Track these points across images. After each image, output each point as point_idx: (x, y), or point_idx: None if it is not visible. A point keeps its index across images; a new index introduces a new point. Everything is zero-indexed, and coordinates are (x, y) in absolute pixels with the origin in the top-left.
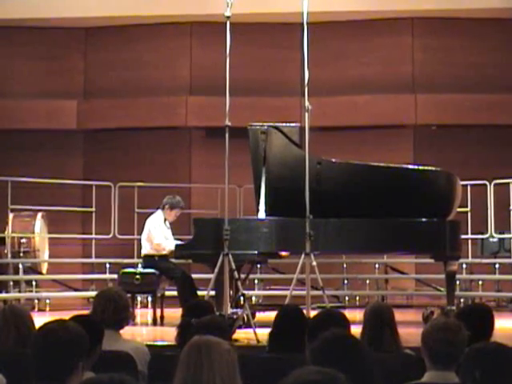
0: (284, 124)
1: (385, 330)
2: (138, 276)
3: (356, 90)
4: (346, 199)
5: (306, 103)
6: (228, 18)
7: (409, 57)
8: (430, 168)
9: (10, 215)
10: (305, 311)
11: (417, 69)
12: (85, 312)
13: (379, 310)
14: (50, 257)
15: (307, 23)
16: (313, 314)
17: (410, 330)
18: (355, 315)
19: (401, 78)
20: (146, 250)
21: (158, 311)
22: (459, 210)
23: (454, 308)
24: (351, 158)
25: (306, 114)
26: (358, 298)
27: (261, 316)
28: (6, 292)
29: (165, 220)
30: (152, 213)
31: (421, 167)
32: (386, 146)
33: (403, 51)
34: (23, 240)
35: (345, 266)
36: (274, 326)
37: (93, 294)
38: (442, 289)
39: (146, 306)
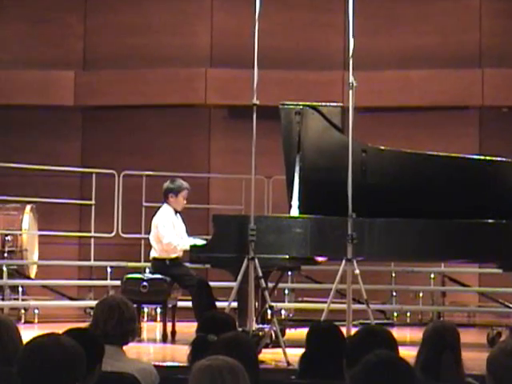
0: (323, 103)
1: (446, 355)
2: (145, 283)
3: (410, 64)
4: (396, 195)
5: (351, 79)
6: None
7: (475, 24)
8: (499, 158)
9: None
10: (345, 329)
11: (485, 38)
12: (82, 325)
13: (442, 330)
14: (39, 258)
15: None
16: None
17: (471, 355)
18: (405, 334)
19: (465, 49)
20: (154, 252)
21: (169, 325)
22: None
23: None
24: (403, 146)
25: (350, 91)
26: (408, 314)
27: (292, 333)
28: None
29: (175, 212)
30: (159, 209)
31: (488, 157)
32: (445, 132)
33: (468, 17)
34: (8, 238)
35: (393, 275)
36: (307, 347)
37: (91, 303)
38: (511, 305)
39: (155, 319)
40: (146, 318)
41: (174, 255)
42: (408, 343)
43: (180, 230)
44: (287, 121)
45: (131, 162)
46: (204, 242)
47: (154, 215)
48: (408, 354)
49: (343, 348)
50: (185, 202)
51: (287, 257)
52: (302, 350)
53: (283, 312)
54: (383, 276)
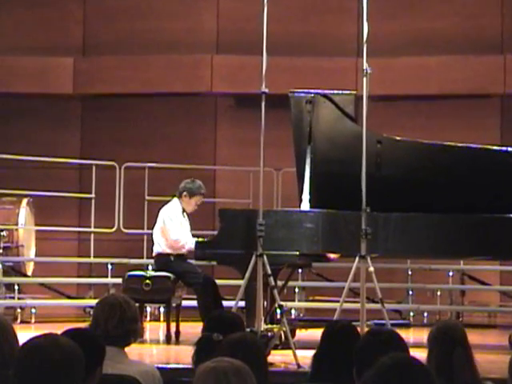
0: (335, 91)
1: (457, 352)
2: (148, 281)
3: (428, 50)
4: (412, 188)
5: (365, 65)
6: None
7: (497, 7)
8: None
9: None
10: (358, 330)
11: (507, 22)
12: (81, 325)
13: (447, 328)
14: (36, 255)
15: None
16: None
17: (492, 357)
18: (422, 335)
19: (486, 34)
20: (159, 247)
21: (173, 326)
22: None
23: None
24: (420, 136)
25: (364, 78)
26: (426, 315)
27: (302, 334)
28: None
29: (183, 211)
30: (167, 202)
31: (510, 148)
32: (465, 121)
33: (489, 0)
34: (3, 233)
35: (410, 272)
36: (320, 348)
37: (91, 302)
38: None
39: (158, 319)
40: (148, 318)
41: (180, 252)
42: (425, 345)
43: (185, 229)
44: (297, 110)
45: (133, 153)
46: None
47: (160, 208)
48: (425, 356)
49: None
50: (196, 207)
51: (297, 253)
52: (313, 352)
53: (293, 312)
54: (399, 274)
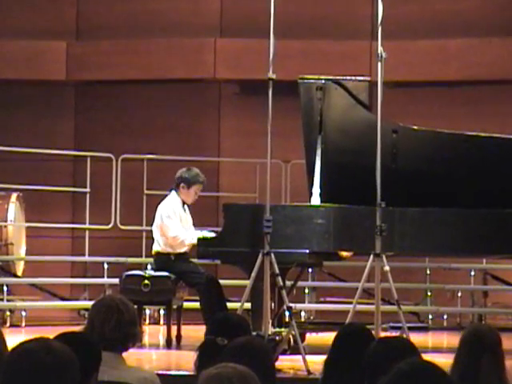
0: (348, 77)
1: (486, 359)
2: (146, 281)
3: (447, 32)
4: (431, 181)
5: (379, 49)
6: None
7: None
8: None
9: None
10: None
11: None
12: (75, 328)
13: (479, 332)
14: (27, 253)
15: None
16: (385, 335)
17: None
18: (441, 340)
19: (509, 15)
20: (158, 246)
21: (174, 329)
22: None
23: None
24: (439, 125)
25: (379, 63)
26: (445, 317)
27: (313, 338)
28: None
29: (183, 204)
30: (165, 196)
31: None
32: (486, 109)
33: None
34: None
35: (428, 272)
36: (331, 353)
37: (85, 304)
38: None
39: (158, 322)
40: (147, 321)
41: (181, 250)
42: (445, 349)
43: (186, 223)
44: (307, 97)
45: (131, 144)
46: (213, 235)
47: (159, 203)
48: (445, 362)
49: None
50: (196, 196)
51: (307, 251)
52: (323, 357)
53: (303, 314)
54: (416, 273)
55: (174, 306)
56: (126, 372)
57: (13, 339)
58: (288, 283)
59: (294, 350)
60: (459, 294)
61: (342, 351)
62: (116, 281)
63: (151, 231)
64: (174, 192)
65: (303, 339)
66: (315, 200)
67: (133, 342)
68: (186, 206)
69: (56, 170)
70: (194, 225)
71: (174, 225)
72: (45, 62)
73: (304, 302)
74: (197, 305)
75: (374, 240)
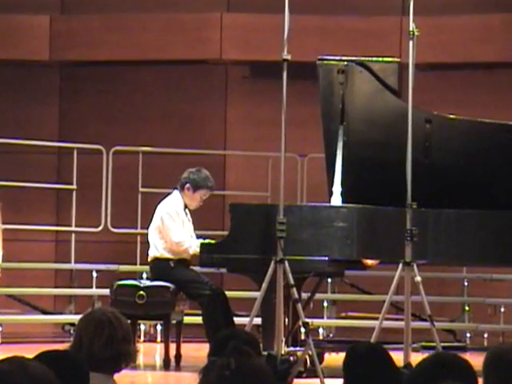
0: (374, 58)
1: None
2: (141, 292)
3: (489, 6)
4: (469, 179)
5: (411, 26)
6: None
7: None
8: None
9: None
10: (401, 354)
11: None
12: (59, 346)
13: (504, 352)
14: (4, 260)
15: None
16: (416, 357)
17: None
18: (481, 362)
19: None
20: (155, 251)
21: (173, 348)
22: None
23: None
24: (479, 115)
25: (411, 42)
26: (486, 336)
27: (332, 359)
28: None
29: (185, 207)
30: (166, 195)
31: None
32: None
33: None
34: None
35: (466, 283)
36: (345, 379)
37: (71, 318)
38: None
39: (154, 340)
40: (143, 338)
41: (182, 256)
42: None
43: (187, 230)
44: (327, 81)
45: (124, 134)
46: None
47: (158, 203)
48: None
49: (393, 378)
50: (201, 203)
51: (327, 259)
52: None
53: (321, 331)
54: (452, 285)
55: (173, 321)
56: None
57: None
58: (304, 295)
59: (311, 373)
60: (502, 310)
61: (354, 377)
62: (106, 292)
63: (147, 234)
64: (177, 192)
65: (321, 360)
66: (336, 200)
67: (126, 361)
68: (187, 211)
69: (38, 163)
70: (194, 229)
71: (178, 228)
72: (25, 40)
73: (322, 317)
74: (199, 320)
75: (404, 246)
